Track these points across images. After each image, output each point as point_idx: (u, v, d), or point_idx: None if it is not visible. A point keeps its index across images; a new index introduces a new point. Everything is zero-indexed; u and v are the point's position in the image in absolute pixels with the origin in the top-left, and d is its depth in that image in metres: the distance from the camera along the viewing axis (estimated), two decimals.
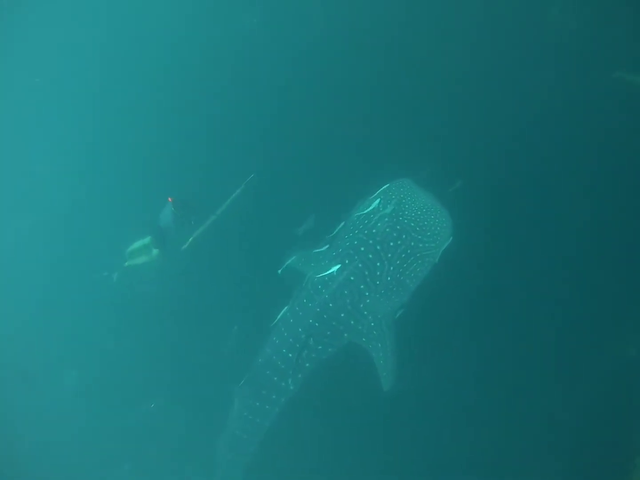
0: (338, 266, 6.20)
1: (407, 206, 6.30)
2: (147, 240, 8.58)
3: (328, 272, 6.28)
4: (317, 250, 7.08)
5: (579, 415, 6.52)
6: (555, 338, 6.84)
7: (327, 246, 6.77)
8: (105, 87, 10.88)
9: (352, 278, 6.19)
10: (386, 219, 6.24)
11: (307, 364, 6.50)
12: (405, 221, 6.19)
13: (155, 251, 8.52)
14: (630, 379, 6.57)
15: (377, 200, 6.47)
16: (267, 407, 6.69)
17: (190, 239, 8.58)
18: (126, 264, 8.86)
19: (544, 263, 6.98)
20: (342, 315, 6.27)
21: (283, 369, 6.54)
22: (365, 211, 6.49)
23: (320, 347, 6.45)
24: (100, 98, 10.85)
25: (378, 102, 8.25)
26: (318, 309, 6.31)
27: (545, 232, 7.02)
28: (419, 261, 6.11)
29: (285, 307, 6.62)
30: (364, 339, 6.46)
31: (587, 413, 6.50)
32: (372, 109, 8.28)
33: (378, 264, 6.13)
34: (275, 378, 6.58)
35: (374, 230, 6.26)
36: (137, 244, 8.70)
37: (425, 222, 6.17)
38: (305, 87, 8.92)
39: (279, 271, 6.95)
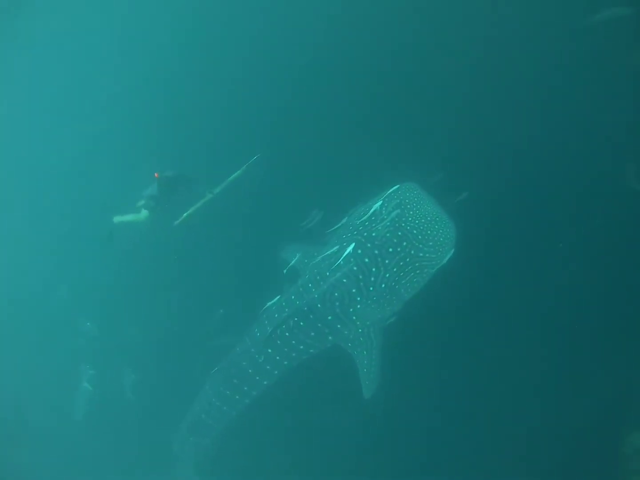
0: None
1: (411, 212, 5.97)
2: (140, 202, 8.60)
3: (330, 252, 6.02)
4: (313, 247, 6.81)
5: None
6: (552, 355, 6.61)
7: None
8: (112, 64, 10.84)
9: (344, 280, 5.87)
10: (388, 223, 5.91)
11: (285, 362, 6.25)
12: (408, 228, 5.86)
13: (144, 212, 8.46)
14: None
15: (381, 202, 6.13)
16: (237, 397, 6.50)
17: (184, 215, 8.42)
18: (115, 219, 8.79)
19: (547, 283, 6.70)
20: (330, 318, 5.97)
21: (260, 362, 6.29)
22: (368, 212, 6.16)
23: (301, 347, 6.17)
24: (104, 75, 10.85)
25: (396, 102, 7.97)
26: (305, 308, 6.00)
27: (552, 253, 6.74)
28: (417, 271, 5.81)
29: (276, 299, 6.33)
30: (349, 344, 6.19)
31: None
32: (389, 109, 7.99)
33: (374, 269, 5.82)
34: (250, 370, 6.36)
35: (373, 234, 5.93)
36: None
37: (429, 232, 5.85)
38: (322, 84, 8.69)
39: (284, 271, 6.73)
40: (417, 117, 7.65)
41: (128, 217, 8.68)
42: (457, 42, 7.76)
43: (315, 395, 7.18)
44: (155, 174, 7.84)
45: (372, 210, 6.11)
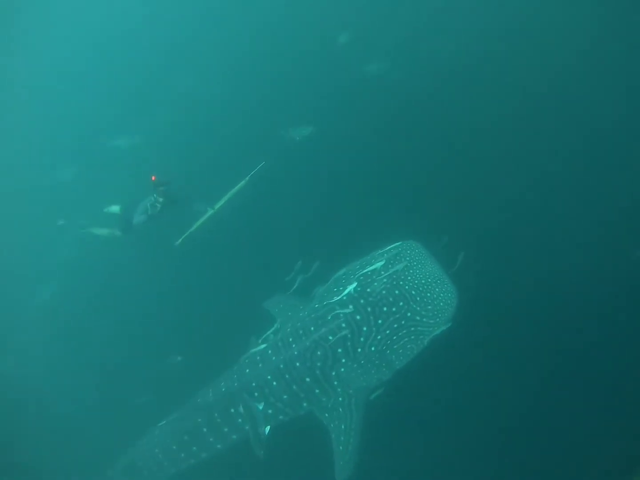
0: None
1: (411, 271, 5.44)
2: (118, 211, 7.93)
3: (318, 306, 5.43)
4: (299, 299, 6.19)
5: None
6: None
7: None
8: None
9: (330, 337, 5.19)
10: (385, 280, 5.35)
11: (247, 427, 5.36)
12: (406, 287, 5.31)
13: (117, 232, 7.87)
14: None
15: (380, 258, 5.63)
16: (182, 455, 5.54)
17: (186, 234, 7.95)
18: (84, 229, 8.14)
19: (552, 357, 6.06)
20: (308, 380, 5.20)
21: (218, 423, 5.40)
22: (366, 267, 5.62)
23: (269, 412, 5.32)
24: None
25: (406, 160, 7.78)
26: (281, 366, 5.25)
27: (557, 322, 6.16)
28: (412, 337, 5.16)
29: (258, 348, 5.61)
30: (326, 415, 5.37)
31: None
32: (398, 166, 7.76)
33: (365, 328, 5.16)
34: (205, 429, 5.44)
35: (368, 289, 5.35)
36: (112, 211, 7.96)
37: (428, 294, 5.29)
38: (331, 137, 8.47)
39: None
40: (427, 176, 7.43)
41: (100, 231, 8.04)
42: (465, 103, 7.80)
43: (277, 472, 6.12)
44: (152, 177, 7.18)
45: (370, 266, 5.59)
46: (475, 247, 6.17)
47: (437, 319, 5.21)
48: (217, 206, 8.01)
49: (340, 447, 5.21)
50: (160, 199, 7.31)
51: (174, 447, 5.55)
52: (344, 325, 5.19)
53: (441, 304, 5.26)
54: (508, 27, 8.48)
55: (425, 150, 7.64)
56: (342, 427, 5.27)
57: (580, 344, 5.91)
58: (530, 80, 7.80)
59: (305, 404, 5.33)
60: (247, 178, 8.14)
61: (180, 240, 7.98)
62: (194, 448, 5.49)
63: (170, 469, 5.62)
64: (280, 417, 5.38)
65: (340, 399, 5.31)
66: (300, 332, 5.39)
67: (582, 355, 5.95)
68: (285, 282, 6.48)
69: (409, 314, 5.18)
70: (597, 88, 7.48)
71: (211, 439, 5.44)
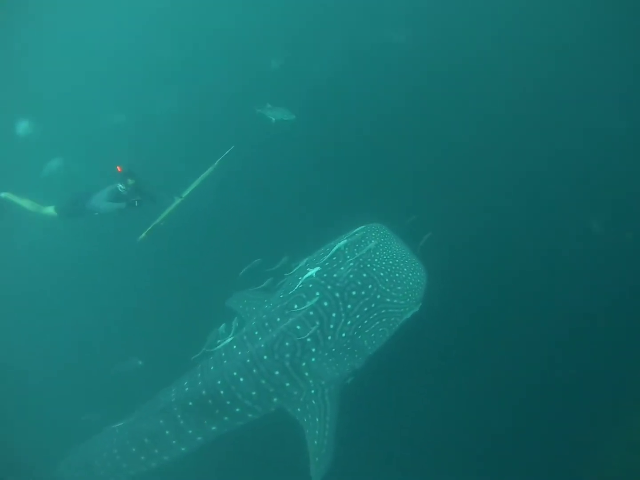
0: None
1: (378, 253, 5.26)
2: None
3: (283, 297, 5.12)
4: (261, 290, 5.89)
5: None
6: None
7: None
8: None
9: (298, 327, 4.93)
10: (352, 264, 5.15)
11: (214, 427, 5.05)
12: (374, 269, 5.12)
13: (50, 209, 7.28)
14: None
15: (345, 242, 5.42)
16: (142, 458, 5.13)
17: (150, 227, 7.21)
18: (4, 195, 7.44)
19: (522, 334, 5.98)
20: (277, 373, 4.92)
21: (181, 425, 5.03)
22: (330, 252, 5.41)
23: (237, 410, 5.00)
24: None
25: (367, 141, 7.58)
26: (248, 360, 4.94)
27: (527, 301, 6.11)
28: (383, 319, 4.97)
29: (221, 344, 5.25)
30: (298, 409, 5.09)
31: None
32: (358, 148, 7.54)
33: (334, 314, 4.94)
34: (167, 432, 5.06)
35: (335, 275, 5.13)
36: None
37: (397, 274, 5.12)
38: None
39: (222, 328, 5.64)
40: (388, 156, 7.26)
41: (23, 202, 7.37)
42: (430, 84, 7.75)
43: (249, 473, 5.80)
44: (118, 168, 6.61)
45: (334, 249, 5.38)
46: (443, 227, 6.06)
47: (408, 300, 5.04)
48: (184, 194, 7.36)
49: (315, 442, 4.93)
50: (125, 188, 6.79)
51: (133, 450, 5.15)
52: (311, 313, 4.95)
53: (410, 283, 5.10)
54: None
55: (388, 131, 7.49)
56: (316, 420, 5.00)
57: (551, 319, 5.90)
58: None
59: (275, 399, 5.04)
60: (215, 163, 7.55)
61: (144, 234, 7.18)
62: (156, 451, 5.11)
63: (128, 471, 5.22)
64: (250, 415, 5.05)
65: (312, 391, 5.05)
66: (266, 324, 5.10)
67: (553, 330, 5.93)
68: (250, 279, 6.17)
69: (378, 297, 5.00)
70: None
71: (174, 442, 5.07)
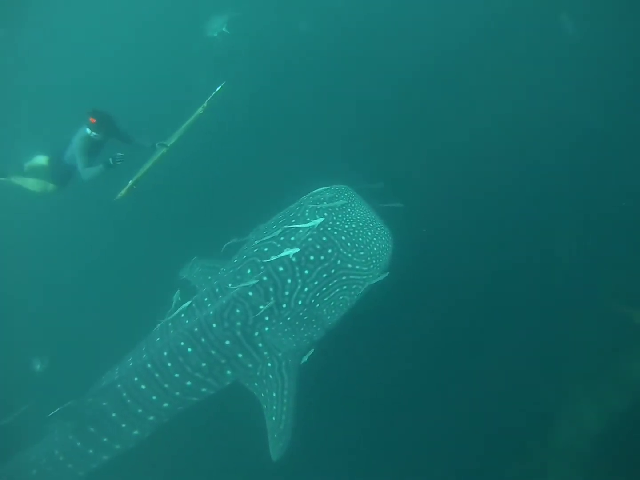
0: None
1: (340, 216, 4.86)
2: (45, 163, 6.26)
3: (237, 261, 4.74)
4: (218, 260, 5.48)
5: None
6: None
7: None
8: None
9: (250, 294, 4.54)
10: (310, 226, 4.75)
11: (166, 404, 4.64)
12: (335, 233, 4.73)
13: (50, 186, 6.24)
14: None
15: (304, 204, 5.03)
16: (90, 451, 4.63)
17: (129, 183, 6.07)
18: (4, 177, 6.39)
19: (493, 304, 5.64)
20: (227, 343, 4.54)
21: (128, 404, 4.58)
22: (288, 214, 5.01)
23: (188, 384, 4.60)
24: None
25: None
26: (196, 329, 4.55)
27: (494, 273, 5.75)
28: (344, 287, 4.60)
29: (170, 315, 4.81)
30: (255, 384, 4.73)
31: None
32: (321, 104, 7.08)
33: (289, 280, 4.55)
34: (114, 414, 4.60)
35: (292, 238, 4.73)
36: (37, 162, 6.29)
37: (360, 239, 4.73)
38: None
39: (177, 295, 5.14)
40: (353, 115, 6.83)
41: (29, 183, 6.29)
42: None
43: (205, 457, 5.42)
44: (91, 119, 5.54)
45: (291, 212, 4.99)
46: (414, 197, 5.67)
47: (371, 266, 4.66)
48: (170, 143, 6.21)
49: (273, 418, 4.58)
50: (97, 134, 5.67)
51: (78, 444, 4.62)
52: (265, 278, 4.55)
53: (374, 249, 4.72)
54: None
55: (359, 91, 7.04)
56: (274, 395, 4.65)
57: (518, 291, 5.55)
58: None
59: (229, 372, 4.67)
60: (204, 104, 6.47)
61: (122, 191, 6.05)
62: (105, 439, 4.62)
63: (77, 472, 4.69)
64: (203, 389, 4.67)
65: (269, 364, 4.68)
66: (217, 289, 4.72)
67: (520, 303, 5.57)
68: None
69: (339, 262, 4.61)
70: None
71: (123, 425, 4.62)
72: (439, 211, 5.86)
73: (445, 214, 5.86)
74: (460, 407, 5.08)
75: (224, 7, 8.45)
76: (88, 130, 5.67)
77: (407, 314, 5.41)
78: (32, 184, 6.25)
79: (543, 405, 5.12)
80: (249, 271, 4.64)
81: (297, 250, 4.56)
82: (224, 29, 8.32)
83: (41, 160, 6.22)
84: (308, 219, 4.83)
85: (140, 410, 4.62)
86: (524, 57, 7.02)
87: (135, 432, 4.66)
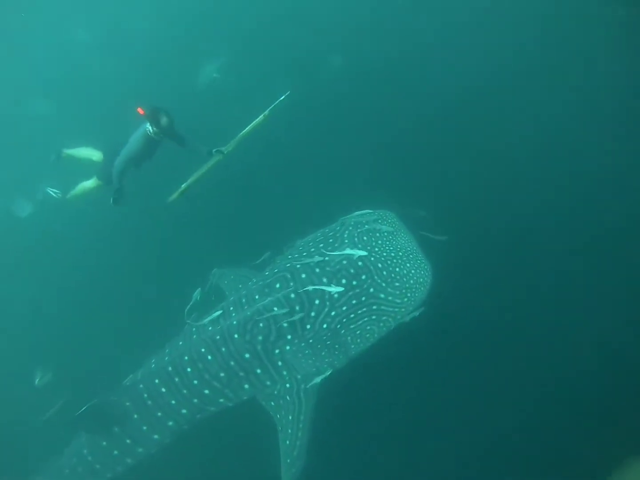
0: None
1: (379, 242, 4.68)
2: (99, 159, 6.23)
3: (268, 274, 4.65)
4: (250, 271, 5.43)
5: None
6: None
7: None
8: None
9: (275, 309, 4.44)
10: (347, 249, 4.59)
11: (184, 410, 4.58)
12: (372, 259, 4.54)
13: (96, 182, 6.24)
14: None
15: (345, 225, 4.89)
16: (115, 452, 4.63)
17: (182, 187, 6.09)
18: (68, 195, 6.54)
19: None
20: (247, 356, 4.45)
21: (149, 406, 4.59)
22: (325, 234, 4.89)
23: (206, 392, 4.55)
24: None
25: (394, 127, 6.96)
26: (217, 337, 4.50)
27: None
28: (373, 316, 4.38)
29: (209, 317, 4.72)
30: (272, 403, 4.59)
31: None
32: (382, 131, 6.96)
33: (317, 301, 4.40)
34: (136, 416, 4.59)
35: (327, 258, 4.59)
36: (91, 157, 6.33)
37: (397, 269, 4.51)
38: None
39: (197, 293, 5.16)
40: (405, 144, 6.65)
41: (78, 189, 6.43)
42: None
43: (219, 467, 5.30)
44: (139, 109, 5.40)
45: (332, 232, 4.87)
46: (458, 228, 5.36)
47: (405, 299, 4.42)
48: (227, 149, 6.08)
49: (287, 442, 4.42)
50: (159, 131, 5.55)
51: (104, 444, 4.64)
52: (293, 296, 4.44)
53: (411, 281, 4.48)
54: None
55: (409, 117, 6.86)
56: (289, 418, 4.49)
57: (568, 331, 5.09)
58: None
59: (246, 386, 4.57)
60: (266, 112, 6.25)
61: (175, 194, 6.04)
62: (128, 441, 4.60)
63: (105, 473, 4.70)
64: (221, 400, 4.60)
65: (287, 385, 4.54)
66: (244, 300, 4.65)
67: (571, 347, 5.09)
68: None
69: (371, 290, 4.41)
70: None
71: (145, 428, 4.59)
72: (484, 247, 5.50)
73: (489, 251, 5.50)
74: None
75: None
76: (148, 128, 5.61)
77: (438, 350, 5.08)
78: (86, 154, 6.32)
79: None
80: (277, 285, 4.55)
81: (340, 289, 4.35)
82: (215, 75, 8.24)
83: (95, 155, 6.31)
84: (347, 241, 4.68)
85: (160, 414, 4.60)
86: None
87: (156, 436, 4.63)
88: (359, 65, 7.84)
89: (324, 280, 4.44)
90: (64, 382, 5.77)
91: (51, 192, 6.70)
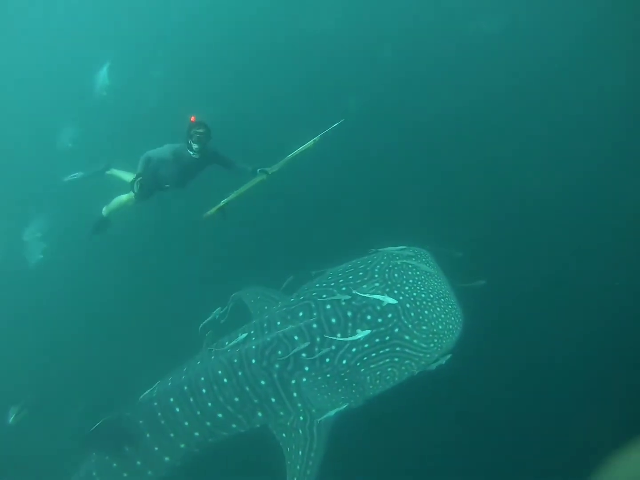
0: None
1: (410, 281, 4.50)
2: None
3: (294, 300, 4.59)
4: (278, 293, 5.35)
5: None
6: None
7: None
8: None
9: (295, 338, 4.33)
10: (377, 284, 4.45)
11: (196, 433, 4.49)
12: (401, 298, 4.36)
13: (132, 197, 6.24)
14: None
15: (377, 259, 4.75)
16: (124, 475, 4.56)
17: (221, 203, 6.06)
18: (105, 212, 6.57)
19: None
20: (262, 382, 4.34)
21: (162, 426, 4.50)
22: (356, 265, 4.77)
23: (220, 416, 4.46)
24: None
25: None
26: (235, 360, 4.43)
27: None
28: (395, 359, 4.18)
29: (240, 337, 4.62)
30: (283, 435, 4.45)
31: None
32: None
33: (339, 334, 4.26)
34: (148, 435, 4.52)
35: (354, 291, 4.46)
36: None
37: (426, 311, 4.30)
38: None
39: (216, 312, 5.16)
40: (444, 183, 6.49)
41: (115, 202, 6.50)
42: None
43: None
44: (192, 118, 5.40)
45: (363, 265, 4.73)
46: (494, 271, 5.10)
47: (431, 345, 4.20)
48: (272, 171, 6.02)
49: (295, 479, 4.26)
50: (196, 146, 5.47)
51: (114, 465, 4.55)
52: (315, 326, 4.32)
53: (439, 327, 4.25)
54: None
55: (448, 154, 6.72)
56: (300, 453, 4.32)
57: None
58: None
59: (260, 414, 4.45)
60: (317, 137, 6.18)
61: (212, 210, 6.02)
62: (138, 463, 4.54)
63: None
64: (233, 425, 4.50)
65: (301, 417, 4.39)
66: (265, 325, 4.57)
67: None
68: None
69: (396, 330, 4.22)
70: None
71: (156, 449, 4.53)
72: (520, 292, 5.20)
73: (526, 297, 5.19)
74: None
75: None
76: (190, 151, 5.59)
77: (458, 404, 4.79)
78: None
79: None
80: (300, 314, 4.45)
81: (368, 332, 4.19)
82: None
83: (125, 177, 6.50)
84: (377, 276, 4.53)
85: (172, 435, 4.52)
86: None
87: (167, 458, 4.56)
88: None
89: (349, 314, 4.30)
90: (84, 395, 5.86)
91: (72, 177, 6.97)
